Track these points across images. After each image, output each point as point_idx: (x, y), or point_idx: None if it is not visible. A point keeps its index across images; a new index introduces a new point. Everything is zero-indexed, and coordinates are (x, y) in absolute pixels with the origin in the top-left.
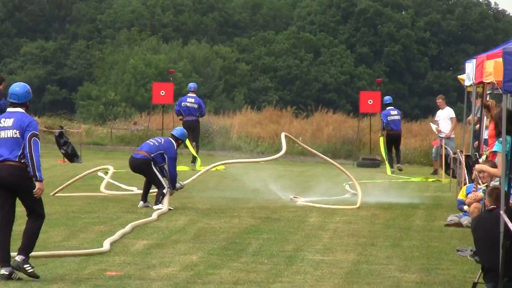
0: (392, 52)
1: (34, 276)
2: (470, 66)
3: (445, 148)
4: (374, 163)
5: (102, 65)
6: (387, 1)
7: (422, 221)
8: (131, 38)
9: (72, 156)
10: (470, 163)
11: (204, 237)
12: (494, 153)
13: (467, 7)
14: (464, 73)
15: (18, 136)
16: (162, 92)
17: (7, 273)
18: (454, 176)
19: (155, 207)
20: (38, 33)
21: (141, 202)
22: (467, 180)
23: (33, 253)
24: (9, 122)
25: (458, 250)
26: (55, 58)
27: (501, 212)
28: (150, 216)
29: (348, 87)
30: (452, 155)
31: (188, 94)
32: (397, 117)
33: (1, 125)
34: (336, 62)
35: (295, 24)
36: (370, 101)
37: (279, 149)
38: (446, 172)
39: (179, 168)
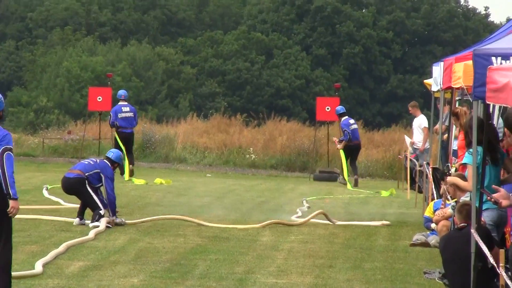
0: (352, 54)
1: None
2: (437, 69)
3: (410, 159)
4: (332, 177)
5: (33, 68)
6: None
7: (385, 241)
8: (64, 38)
9: None
10: (438, 176)
11: (146, 258)
12: (464, 165)
13: (434, 4)
14: (431, 77)
15: None
16: (99, 98)
17: None
18: (420, 191)
19: (91, 224)
20: None
21: (77, 219)
22: (434, 195)
23: None
24: None
25: (425, 273)
26: None
27: (472, 230)
28: (87, 234)
29: (304, 93)
30: (418, 168)
31: (120, 103)
32: (356, 127)
33: None
34: (290, 65)
35: (245, 23)
36: (327, 108)
37: (227, 161)
38: (412, 187)
39: (136, 182)
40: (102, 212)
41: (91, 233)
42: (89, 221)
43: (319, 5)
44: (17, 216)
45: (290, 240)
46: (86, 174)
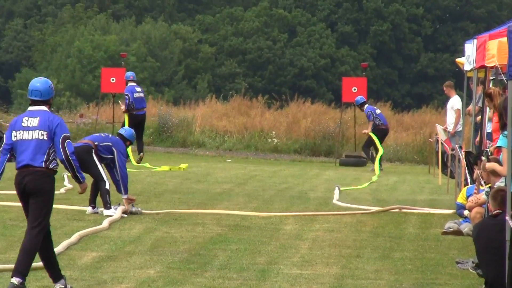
0: (380, 32)
1: None
2: (470, 47)
3: (442, 143)
4: (359, 161)
5: (43, 48)
6: None
7: (416, 229)
8: (76, 16)
9: None
10: (471, 160)
11: (163, 248)
12: (499, 148)
13: None
14: (463, 55)
15: (45, 138)
16: (113, 79)
17: (15, 284)
18: (452, 176)
19: (105, 213)
20: None
21: (89, 208)
22: (468, 180)
23: None
24: (33, 121)
25: (457, 262)
26: None
27: (507, 217)
28: (100, 224)
29: (329, 73)
30: (450, 152)
31: (131, 84)
32: (380, 112)
33: (24, 125)
34: (314, 43)
35: None
36: (354, 89)
37: (248, 145)
38: (443, 172)
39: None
40: (107, 186)
41: (105, 222)
42: (102, 209)
43: None
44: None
45: (315, 228)
46: (96, 143)
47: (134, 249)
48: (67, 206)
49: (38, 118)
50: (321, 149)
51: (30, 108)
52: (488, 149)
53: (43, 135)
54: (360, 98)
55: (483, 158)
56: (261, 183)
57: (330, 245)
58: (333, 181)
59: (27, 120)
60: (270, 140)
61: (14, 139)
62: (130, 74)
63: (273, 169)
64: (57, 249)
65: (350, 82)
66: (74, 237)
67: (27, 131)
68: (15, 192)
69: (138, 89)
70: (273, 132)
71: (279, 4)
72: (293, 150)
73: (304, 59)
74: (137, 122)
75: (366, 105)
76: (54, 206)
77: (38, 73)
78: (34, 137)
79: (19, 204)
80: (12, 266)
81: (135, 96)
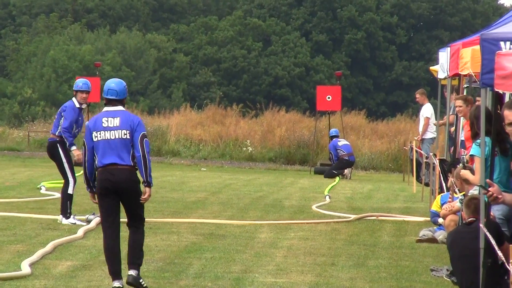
0: (354, 40)
1: None
2: (444, 55)
3: (416, 151)
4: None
5: (17, 58)
6: None
7: (390, 237)
8: (50, 26)
9: None
10: (446, 168)
11: None
12: (472, 157)
13: None
14: (437, 63)
15: (128, 137)
16: None
17: (120, 285)
18: (426, 184)
19: (64, 221)
20: None
21: (60, 216)
22: (444, 188)
23: None
24: (114, 121)
25: (432, 270)
26: None
27: (481, 225)
28: (75, 233)
29: (303, 81)
30: (425, 160)
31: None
32: (344, 143)
33: (104, 125)
34: (289, 52)
35: (241, 8)
36: (328, 97)
37: (223, 154)
38: (418, 180)
39: None
40: (70, 189)
41: (80, 231)
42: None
43: None
44: (1, 213)
45: (289, 237)
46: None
47: None
48: (41, 216)
49: (118, 118)
50: (295, 157)
51: (107, 108)
52: (464, 157)
53: (126, 134)
54: (333, 131)
55: (459, 165)
56: (236, 191)
57: (305, 253)
58: (308, 190)
59: (107, 120)
60: (245, 148)
61: (95, 139)
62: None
63: (248, 177)
64: (31, 258)
65: (325, 91)
66: (48, 246)
67: (108, 131)
68: None
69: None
70: (248, 140)
71: (253, 13)
72: (268, 158)
73: (278, 68)
74: None
75: (333, 139)
76: (27, 215)
77: (13, 83)
78: (116, 137)
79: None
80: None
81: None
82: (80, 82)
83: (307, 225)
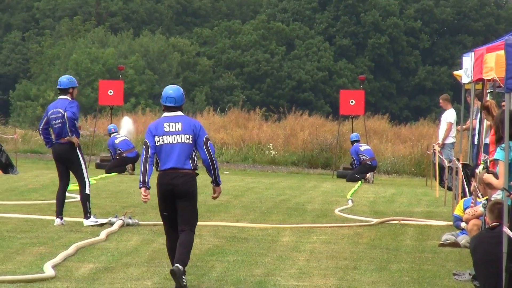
0: (378, 45)
1: None
2: (468, 60)
3: (439, 156)
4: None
5: (41, 60)
6: None
7: (413, 241)
8: (74, 29)
9: (6, 166)
10: (468, 173)
11: (160, 260)
12: (495, 161)
13: None
14: (461, 68)
15: (190, 141)
16: (110, 92)
17: (180, 267)
18: (449, 189)
19: (85, 223)
20: None
21: (58, 220)
22: (466, 193)
23: None
24: (176, 126)
25: (454, 274)
26: None
27: (504, 229)
28: (97, 235)
29: (327, 85)
30: (448, 164)
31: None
32: (366, 148)
33: (166, 130)
34: (312, 56)
35: (264, 12)
36: (352, 102)
37: (246, 157)
38: (441, 184)
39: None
40: (87, 189)
41: (102, 234)
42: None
43: None
44: (24, 216)
45: (312, 240)
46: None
47: (131, 261)
48: (64, 218)
49: (180, 123)
50: (318, 161)
51: (166, 114)
52: (487, 161)
53: (188, 138)
54: (354, 135)
55: (480, 169)
56: (259, 195)
57: (327, 256)
58: (330, 193)
59: (169, 125)
60: (267, 152)
61: (157, 144)
62: (112, 126)
63: (271, 181)
64: (54, 261)
65: (348, 95)
66: (71, 249)
67: (170, 136)
68: (12, 202)
69: (118, 135)
70: (271, 144)
71: (277, 18)
72: (290, 162)
73: (302, 72)
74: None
75: (354, 144)
76: (50, 218)
77: (36, 86)
78: (179, 141)
79: (17, 215)
80: (9, 277)
81: (116, 142)
82: (71, 78)
83: (330, 229)
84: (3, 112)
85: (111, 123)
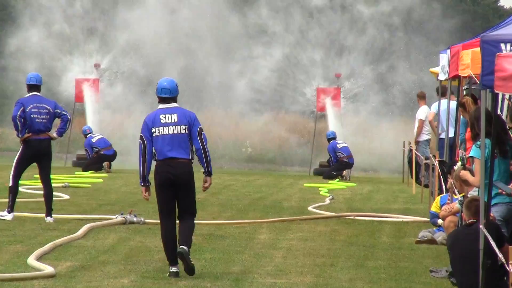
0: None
1: (192, 270)
2: (444, 57)
3: (416, 153)
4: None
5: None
6: None
7: (390, 238)
8: None
9: None
10: (445, 170)
11: (137, 257)
12: (471, 158)
13: None
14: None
15: (186, 132)
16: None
17: (177, 270)
18: (426, 186)
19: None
20: None
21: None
22: (443, 189)
23: None
24: (172, 117)
25: (431, 271)
26: None
27: (481, 226)
28: (74, 233)
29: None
30: (424, 161)
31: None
32: (344, 145)
33: (163, 122)
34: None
35: None
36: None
37: (223, 155)
38: (417, 181)
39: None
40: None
41: (80, 231)
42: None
43: None
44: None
45: (289, 237)
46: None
47: (108, 259)
48: (41, 215)
49: (176, 114)
50: (295, 158)
51: (162, 106)
52: (464, 157)
53: (184, 129)
54: (330, 133)
55: (458, 165)
56: (236, 192)
57: (304, 254)
58: (307, 191)
59: (165, 117)
60: (244, 149)
61: (154, 135)
62: (87, 127)
63: (247, 178)
64: (29, 259)
65: (324, 92)
66: (47, 246)
67: (167, 127)
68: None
69: (95, 135)
70: (248, 141)
71: None
72: (267, 159)
73: None
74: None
75: (331, 142)
76: (27, 214)
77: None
78: (175, 132)
79: None
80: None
81: (93, 141)
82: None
83: (306, 226)
84: None
85: (86, 121)
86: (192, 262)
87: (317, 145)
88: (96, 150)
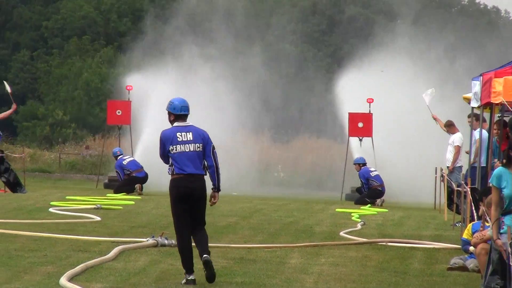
0: None
1: (214, 277)
2: (476, 84)
3: (448, 179)
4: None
5: (49, 80)
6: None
7: (421, 264)
8: (82, 48)
9: (14, 185)
10: (477, 197)
11: (168, 280)
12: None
13: (473, 16)
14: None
15: (201, 149)
16: (119, 112)
17: (194, 278)
18: (458, 212)
19: None
20: None
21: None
22: (475, 216)
23: None
24: (188, 136)
25: None
26: None
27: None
28: (106, 255)
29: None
30: (456, 188)
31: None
32: (377, 173)
33: (179, 139)
34: (321, 78)
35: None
36: (360, 124)
37: (255, 179)
38: (449, 207)
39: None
40: None
41: (111, 253)
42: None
43: (351, 15)
44: (31, 233)
45: (320, 262)
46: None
47: (139, 281)
48: (72, 236)
49: (191, 132)
50: (326, 183)
51: (178, 124)
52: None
53: (199, 147)
54: (360, 159)
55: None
56: (267, 216)
57: (335, 279)
58: (338, 216)
59: (181, 135)
60: (276, 174)
61: (172, 152)
62: (117, 149)
63: (279, 203)
64: (60, 281)
65: (356, 117)
66: (78, 268)
67: (183, 144)
68: (21, 221)
69: (126, 157)
70: (279, 166)
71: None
72: (298, 184)
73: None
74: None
75: (363, 168)
76: (58, 236)
77: (44, 105)
78: (191, 149)
79: (25, 233)
80: None
81: (125, 163)
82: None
83: (338, 251)
84: (11, 132)
85: (119, 143)
86: (214, 270)
87: (348, 170)
88: (128, 172)
